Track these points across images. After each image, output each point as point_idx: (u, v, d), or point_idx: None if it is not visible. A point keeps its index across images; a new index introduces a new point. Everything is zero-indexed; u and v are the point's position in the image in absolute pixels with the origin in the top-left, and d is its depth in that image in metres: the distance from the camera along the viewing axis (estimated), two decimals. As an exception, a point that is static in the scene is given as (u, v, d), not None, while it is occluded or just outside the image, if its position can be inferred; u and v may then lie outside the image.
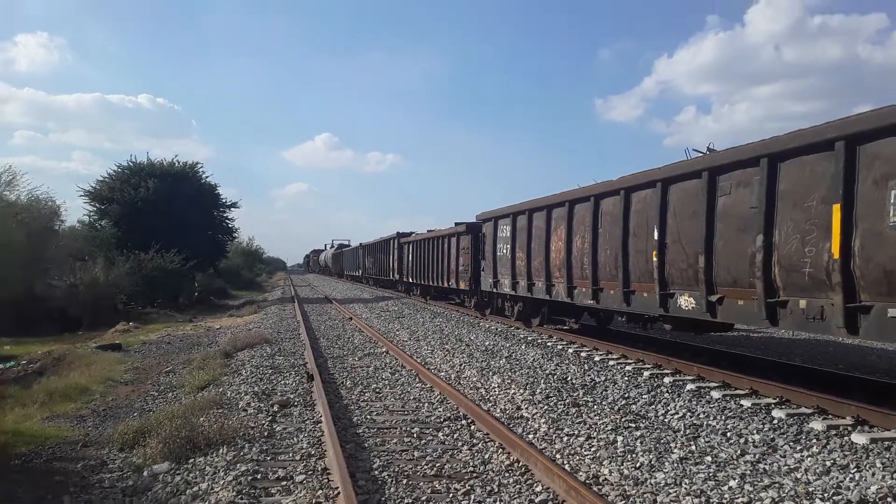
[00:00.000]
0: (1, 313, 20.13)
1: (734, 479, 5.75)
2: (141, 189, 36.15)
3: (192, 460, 6.57)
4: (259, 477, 5.97)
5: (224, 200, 42.05)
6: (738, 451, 6.52)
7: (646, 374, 10.56)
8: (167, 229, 33.92)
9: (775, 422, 7.57)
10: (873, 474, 5.81)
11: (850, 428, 7.26)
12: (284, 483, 5.80)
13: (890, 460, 6.19)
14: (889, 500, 5.21)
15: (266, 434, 7.35)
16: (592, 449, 6.72)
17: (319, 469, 6.13)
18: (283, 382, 10.43)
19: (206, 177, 40.95)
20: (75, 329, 21.98)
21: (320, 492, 5.56)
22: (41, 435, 8.07)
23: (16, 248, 23.37)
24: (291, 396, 9.29)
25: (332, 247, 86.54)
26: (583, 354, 12.76)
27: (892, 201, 6.71)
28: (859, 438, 6.80)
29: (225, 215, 42.45)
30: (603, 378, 10.39)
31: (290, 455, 6.61)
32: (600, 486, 5.66)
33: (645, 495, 5.42)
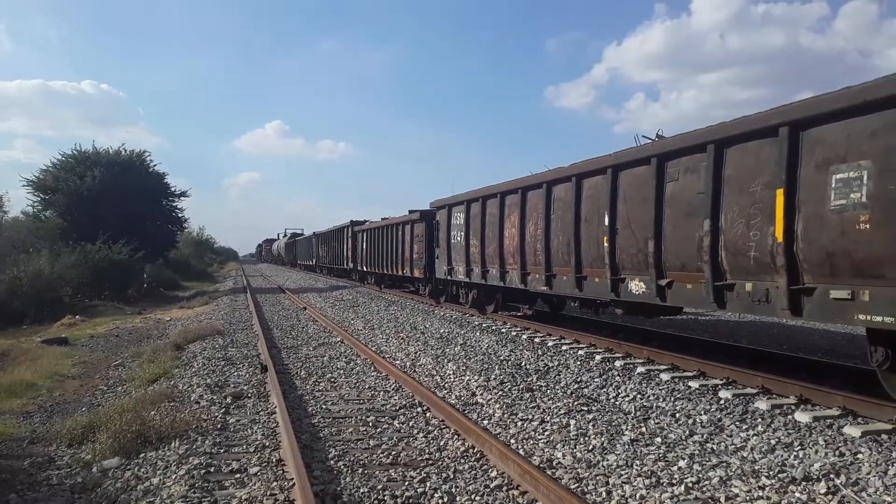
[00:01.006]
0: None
1: (683, 459, 5.88)
2: (86, 178, 35.21)
3: (143, 455, 6.45)
4: (212, 470, 5.89)
5: (173, 190, 41.24)
6: (687, 432, 6.67)
7: (598, 358, 10.72)
8: (114, 219, 33.15)
9: (722, 402, 7.77)
10: (816, 452, 6.00)
11: (793, 407, 7.49)
12: (238, 476, 5.74)
13: (832, 438, 6.41)
14: (832, 476, 5.40)
15: (219, 426, 7.25)
16: (546, 433, 6.80)
17: (274, 460, 6.08)
18: (236, 374, 10.30)
19: (154, 165, 40.12)
20: (19, 323, 21.33)
21: (275, 483, 5.51)
22: (-16, 433, 7.83)
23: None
24: (245, 388, 9.19)
25: (286, 236, 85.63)
26: (536, 340, 12.89)
27: (833, 186, 6.89)
28: (802, 417, 7.02)
29: (174, 205, 41.66)
30: (556, 363, 10.51)
31: (244, 447, 6.54)
32: (554, 470, 5.74)
33: (597, 477, 5.51)
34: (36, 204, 36.76)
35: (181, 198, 41.79)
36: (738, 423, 6.96)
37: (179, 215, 42.64)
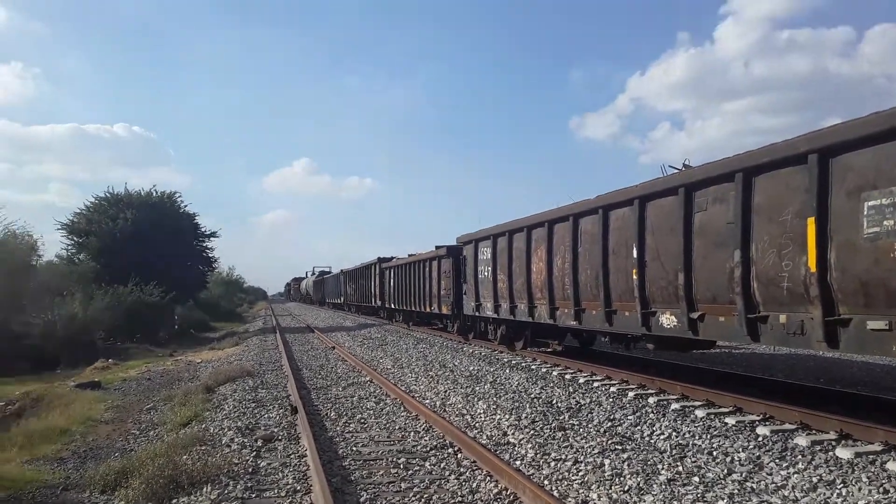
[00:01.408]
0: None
1: (722, 499, 5.74)
2: (119, 220, 35.91)
3: (175, 500, 6.45)
4: (244, 516, 5.86)
5: (203, 230, 41.96)
6: (725, 471, 6.52)
7: (630, 394, 10.56)
8: (146, 261, 33.68)
9: (760, 439, 7.59)
10: (860, 489, 5.83)
11: (834, 442, 7.29)
12: (270, 521, 5.70)
13: (875, 474, 6.22)
14: (876, 514, 5.23)
15: (251, 470, 7.24)
16: (580, 473, 6.69)
17: (305, 505, 6.04)
18: (266, 416, 10.31)
19: (185, 206, 40.86)
20: (53, 367, 21.65)
21: (306, 529, 5.47)
22: (20, 479, 7.91)
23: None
24: (275, 430, 9.18)
25: (313, 274, 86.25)
26: (567, 377, 12.75)
27: (865, 213, 6.79)
28: (844, 453, 6.83)
29: (205, 245, 42.32)
30: (588, 400, 10.38)
31: (276, 491, 6.52)
32: (589, 512, 5.63)
33: (634, 519, 5.39)
34: (70, 247, 37.56)
35: (211, 238, 42.44)
36: (777, 460, 6.79)
37: (209, 255, 43.25)
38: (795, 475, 6.29)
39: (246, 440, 8.65)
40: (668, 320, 9.99)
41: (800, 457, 6.85)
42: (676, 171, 10.65)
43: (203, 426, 9.79)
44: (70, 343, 23.52)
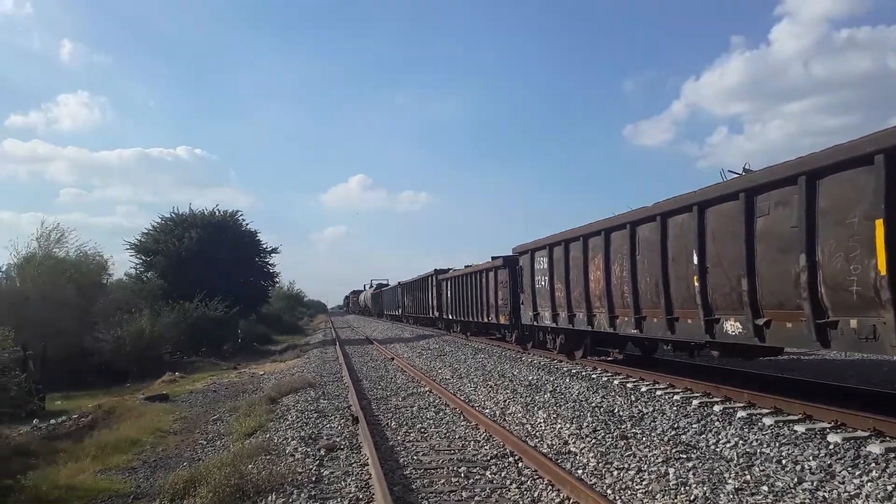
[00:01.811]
0: (52, 368, 20.61)
1: (793, 508, 5.57)
2: (184, 239, 36.98)
3: (241, 509, 6.59)
4: (308, 523, 5.95)
5: (265, 246, 42.82)
6: (795, 479, 6.34)
7: (695, 402, 10.36)
8: (210, 278, 34.55)
9: (831, 447, 7.35)
10: (940, 498, 5.59)
11: (911, 450, 7.00)
12: (334, 529, 5.78)
13: (957, 483, 5.95)
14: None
15: (314, 479, 7.35)
16: (644, 482, 6.59)
17: (368, 513, 6.10)
18: (328, 426, 10.45)
19: (247, 224, 41.82)
20: (122, 381, 22.37)
21: (370, 536, 5.53)
22: (94, 489, 8.19)
23: (66, 305, 24.01)
24: (337, 440, 9.30)
25: (371, 287, 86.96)
26: (629, 385, 12.57)
27: (937, 213, 6.54)
28: (922, 461, 6.56)
29: (266, 261, 43.16)
30: (651, 409, 10.21)
31: (339, 499, 6.60)
32: (654, 521, 5.54)
33: (700, 529, 5.28)
34: (138, 266, 38.81)
35: (272, 254, 43.30)
36: (850, 468, 6.57)
37: (271, 271, 44.11)
38: (869, 483, 6.07)
39: (309, 449, 8.78)
40: (732, 327, 9.77)
41: (873, 465, 6.61)
42: (736, 175, 10.44)
43: (267, 436, 9.98)
44: (138, 358, 24.29)
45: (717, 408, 9.84)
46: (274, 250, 43.46)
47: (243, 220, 41.77)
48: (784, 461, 6.95)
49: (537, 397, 11.89)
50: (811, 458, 6.99)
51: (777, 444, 7.60)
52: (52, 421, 14.54)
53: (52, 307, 22.78)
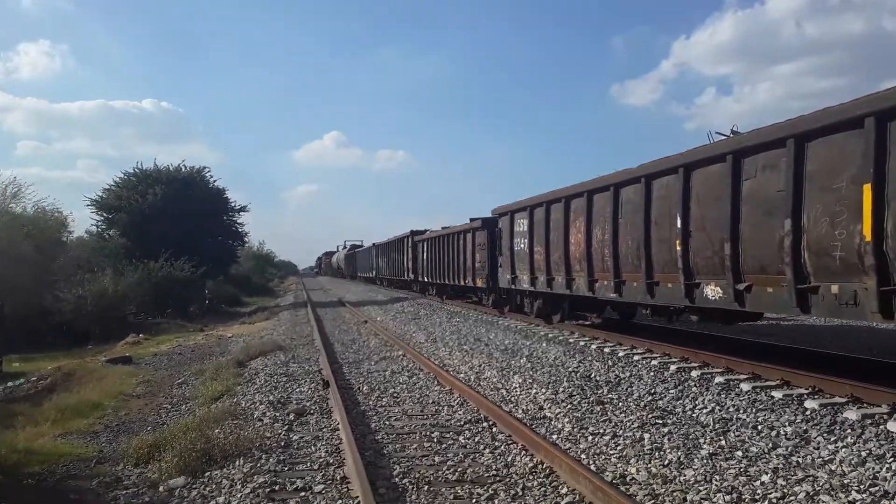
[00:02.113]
0: (9, 328, 20.39)
1: (766, 473, 5.73)
2: (148, 196, 36.52)
3: (208, 474, 6.63)
4: (277, 488, 6.02)
5: (233, 205, 42.45)
6: (770, 445, 6.50)
7: (672, 368, 10.53)
8: (176, 236, 34.23)
9: (808, 413, 7.53)
10: (913, 464, 5.76)
11: (885, 416, 7.20)
12: (303, 494, 5.85)
13: (931, 449, 6.14)
14: (930, 490, 5.18)
15: (283, 444, 7.41)
16: (618, 448, 6.72)
17: (338, 478, 6.18)
18: (298, 390, 10.50)
19: (214, 181, 41.39)
20: (84, 343, 22.22)
21: (340, 501, 5.60)
22: (54, 453, 8.17)
23: (23, 262, 23.70)
24: (307, 404, 9.36)
25: (345, 248, 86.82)
26: (606, 350, 12.74)
27: (924, 178, 6.64)
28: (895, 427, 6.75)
29: (234, 220, 42.84)
30: (628, 374, 10.37)
31: (309, 465, 6.66)
32: (627, 486, 5.67)
33: (674, 493, 5.42)
34: (99, 223, 38.33)
35: (241, 213, 42.96)
36: (825, 434, 6.74)
37: (240, 230, 43.82)
38: (844, 449, 6.24)
39: (278, 414, 8.83)
40: (713, 292, 9.90)
41: (849, 431, 6.79)
42: (724, 137, 10.49)
43: (235, 400, 10.01)
44: (101, 319, 24.10)
45: (694, 373, 10.01)
46: (242, 208, 43.14)
47: (211, 176, 41.37)
48: (760, 427, 7.11)
49: (513, 362, 12.02)
50: (787, 423, 7.16)
51: (753, 410, 7.77)
52: (10, 383, 14.44)
53: (7, 263, 22.46)
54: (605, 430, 7.37)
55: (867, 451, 6.13)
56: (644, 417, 7.76)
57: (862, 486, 5.32)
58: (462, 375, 11.11)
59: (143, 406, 11.14)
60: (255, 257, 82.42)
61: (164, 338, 22.26)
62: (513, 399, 9.21)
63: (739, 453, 6.33)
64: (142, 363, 16.17)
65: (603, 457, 6.48)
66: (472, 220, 24.24)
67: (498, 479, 6.00)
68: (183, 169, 40.43)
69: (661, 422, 7.57)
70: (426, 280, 32.65)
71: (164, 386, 12.85)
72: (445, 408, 8.82)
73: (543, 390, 9.52)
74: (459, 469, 6.27)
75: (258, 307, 37.22)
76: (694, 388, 9.10)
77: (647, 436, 7.01)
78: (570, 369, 10.99)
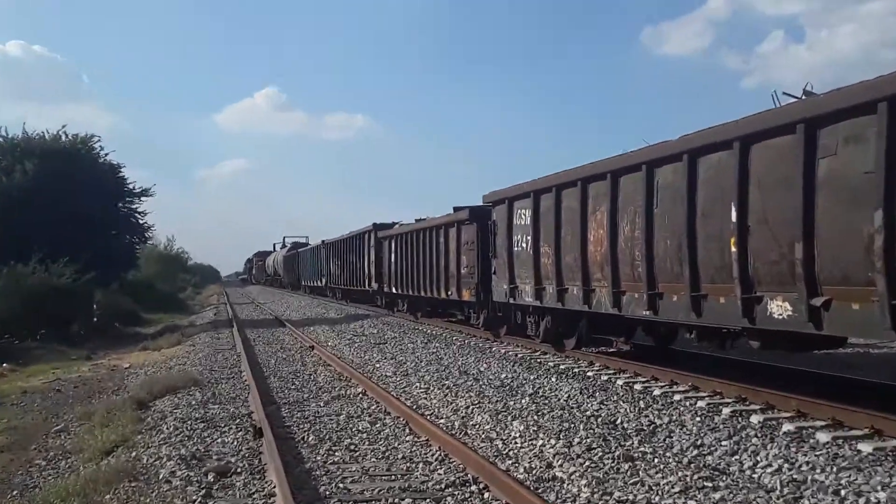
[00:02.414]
0: None
1: (854, 555, 5.74)
2: (15, 174, 36.20)
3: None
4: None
5: (132, 187, 42.21)
6: (859, 516, 6.51)
7: (725, 411, 10.56)
8: (53, 230, 33.92)
9: (909, 473, 7.57)
10: None
11: None
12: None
13: None
14: None
15: (198, 515, 7.33)
16: (654, 520, 6.71)
17: (273, 562, 6.12)
18: (220, 441, 10.42)
19: (106, 155, 41.12)
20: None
21: None
22: None
23: None
24: (233, 461, 9.28)
25: (284, 247, 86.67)
26: (637, 387, 12.75)
27: None
28: None
29: (133, 208, 42.60)
30: (666, 419, 10.39)
31: (233, 543, 6.60)
32: (667, 573, 5.65)
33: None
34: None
35: (143, 198, 42.71)
36: (932, 502, 6.77)
37: (141, 221, 43.59)
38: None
39: (192, 474, 8.74)
40: (779, 308, 9.94)
41: (964, 498, 6.82)
42: (794, 100, 10.52)
43: (133, 455, 9.92)
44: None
45: (754, 419, 10.04)
46: (145, 192, 42.99)
47: (101, 148, 41.10)
48: (844, 492, 7.13)
49: (512, 403, 12.01)
50: (880, 487, 7.19)
51: (834, 469, 7.80)
52: None
53: None
54: (635, 495, 7.36)
55: None
56: (688, 479, 7.76)
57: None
58: (443, 421, 11.08)
59: (8, 462, 11.02)
60: (162, 259, 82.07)
61: (38, 368, 22.04)
62: (511, 453, 9.19)
63: (816, 527, 6.34)
64: (7, 403, 16.00)
65: (633, 532, 6.47)
66: (456, 209, 24.24)
67: (491, 563, 5.97)
68: (63, 138, 40.17)
69: (710, 485, 7.58)
70: (394, 291, 32.61)
71: (37, 435, 12.72)
72: (420, 465, 8.78)
73: (553, 441, 9.51)
74: (439, 550, 6.23)
75: (166, 327, 37.01)
76: (754, 440, 9.12)
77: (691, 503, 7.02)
78: (588, 413, 10.99)
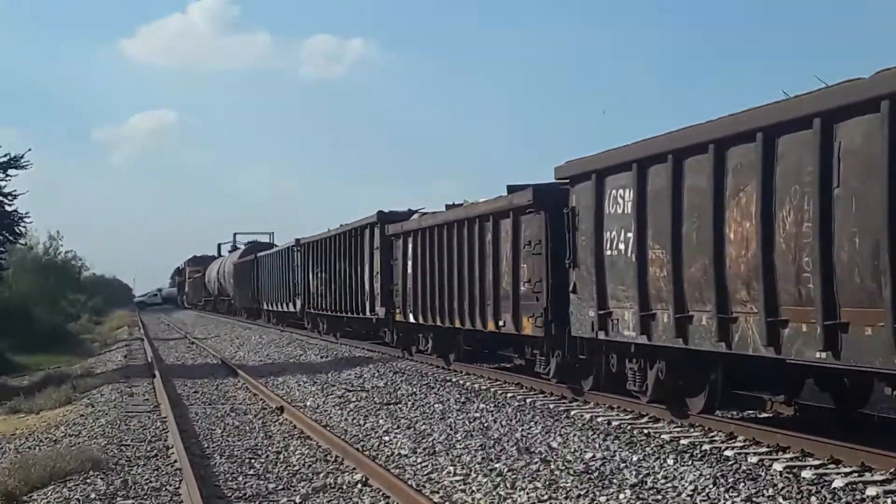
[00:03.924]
0: None
1: None
2: None
3: None
4: None
5: (-8, 154, 42.52)
6: None
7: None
8: None
9: None
10: None
11: None
12: None
13: None
14: None
15: None
16: None
17: None
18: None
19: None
20: None
21: None
22: None
23: None
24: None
25: (236, 249, 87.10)
26: (806, 476, 12.66)
27: None
28: None
29: (-3, 187, 42.91)
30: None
31: None
32: None
33: None
34: None
35: (9, 171, 43.02)
36: None
37: (7, 208, 43.84)
38: None
39: None
40: None
41: None
42: None
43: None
44: None
45: None
46: (13, 162, 43.20)
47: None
48: None
49: (604, 499, 11.96)
50: None
51: None
52: None
53: None
54: None
55: None
56: None
57: None
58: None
59: None
60: (42, 269, 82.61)
61: None
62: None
63: None
64: None
65: None
66: (510, 189, 23.97)
67: None
68: None
69: None
70: (412, 320, 32.38)
71: None
72: None
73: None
74: None
75: (48, 376, 37.20)
76: None
77: None
78: (727, 518, 10.96)
